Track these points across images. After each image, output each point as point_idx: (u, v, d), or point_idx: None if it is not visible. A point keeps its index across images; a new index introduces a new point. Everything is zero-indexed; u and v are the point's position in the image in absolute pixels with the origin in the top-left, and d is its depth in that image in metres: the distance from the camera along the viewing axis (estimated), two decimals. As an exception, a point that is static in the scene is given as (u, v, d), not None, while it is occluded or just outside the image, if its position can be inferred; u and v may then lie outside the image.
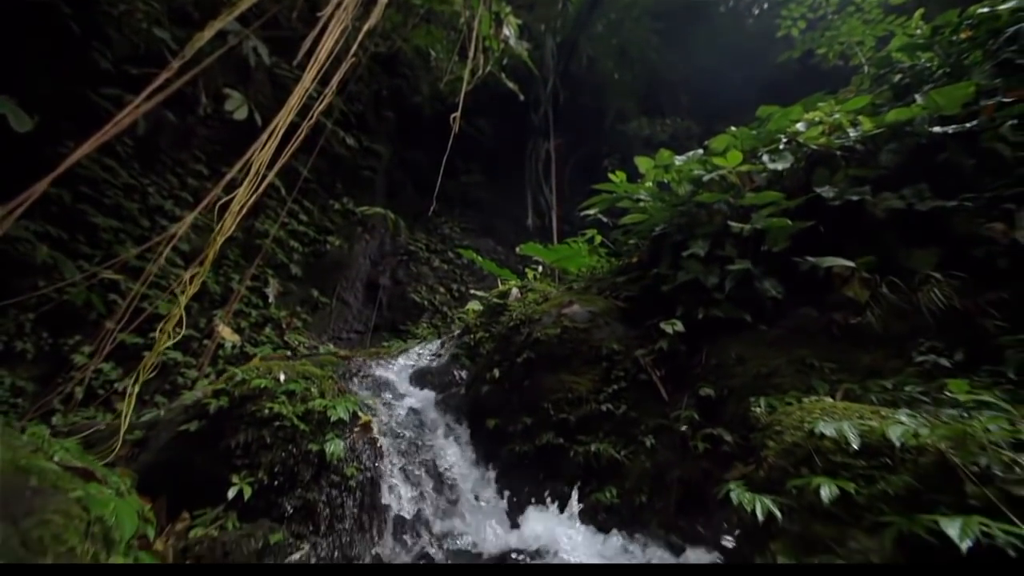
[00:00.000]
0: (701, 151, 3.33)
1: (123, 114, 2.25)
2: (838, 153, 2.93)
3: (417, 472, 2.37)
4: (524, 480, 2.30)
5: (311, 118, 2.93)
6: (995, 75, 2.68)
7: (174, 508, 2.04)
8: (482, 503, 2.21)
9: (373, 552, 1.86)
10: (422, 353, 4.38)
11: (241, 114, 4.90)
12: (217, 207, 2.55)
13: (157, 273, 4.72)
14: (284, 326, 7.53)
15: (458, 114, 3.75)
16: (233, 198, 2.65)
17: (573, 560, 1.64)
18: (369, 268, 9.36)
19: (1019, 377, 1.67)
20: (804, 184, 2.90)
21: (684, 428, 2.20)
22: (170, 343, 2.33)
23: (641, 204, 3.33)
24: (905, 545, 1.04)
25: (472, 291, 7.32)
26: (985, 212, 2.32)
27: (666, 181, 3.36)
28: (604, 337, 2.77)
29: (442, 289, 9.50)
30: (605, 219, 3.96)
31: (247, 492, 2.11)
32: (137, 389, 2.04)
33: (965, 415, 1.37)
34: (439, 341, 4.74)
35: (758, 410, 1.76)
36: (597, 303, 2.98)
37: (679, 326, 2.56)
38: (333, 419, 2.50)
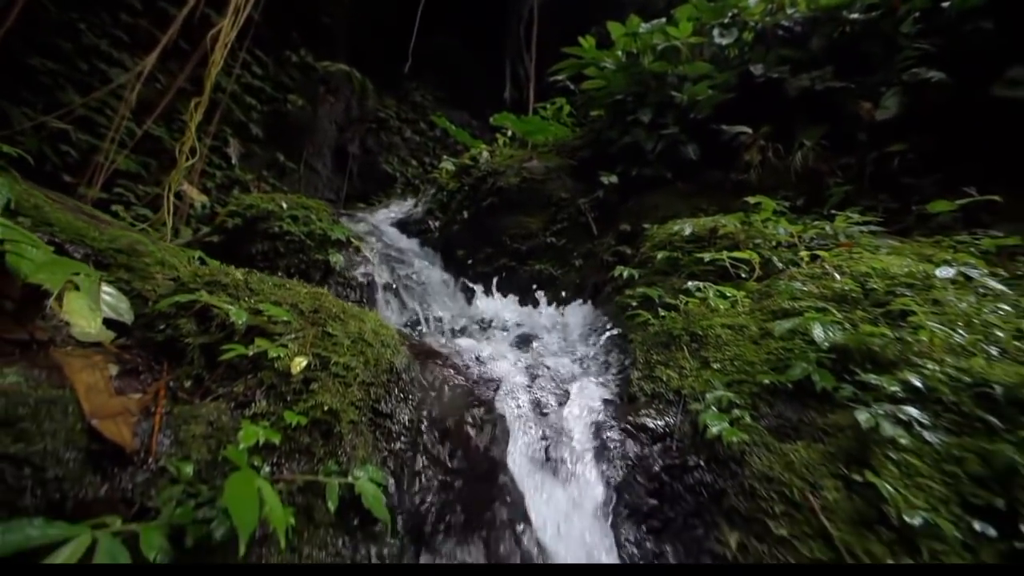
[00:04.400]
0: (665, 20, 3.75)
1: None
2: (780, 32, 3.46)
3: (402, 281, 3.25)
4: (482, 288, 3.22)
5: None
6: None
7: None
8: (448, 300, 3.15)
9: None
10: (399, 210, 5.08)
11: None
12: (209, 37, 2.91)
13: (103, 124, 4.94)
14: (252, 189, 7.90)
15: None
16: (220, 29, 2.99)
17: (511, 320, 2.59)
18: (336, 134, 9.42)
19: (827, 212, 2.56)
20: (743, 60, 3.48)
21: (605, 253, 3.11)
22: (187, 164, 2.90)
23: (604, 71, 3.83)
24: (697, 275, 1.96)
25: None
26: (865, 94, 3.03)
27: (633, 50, 3.82)
28: (556, 187, 3.53)
29: (414, 162, 9.80)
30: (573, 87, 4.43)
31: (271, 282, 2.94)
32: (172, 195, 2.68)
33: (766, 226, 2.26)
34: (413, 200, 5.42)
35: (648, 228, 2.63)
36: (554, 160, 3.67)
37: (615, 179, 3.34)
38: (333, 238, 3.26)
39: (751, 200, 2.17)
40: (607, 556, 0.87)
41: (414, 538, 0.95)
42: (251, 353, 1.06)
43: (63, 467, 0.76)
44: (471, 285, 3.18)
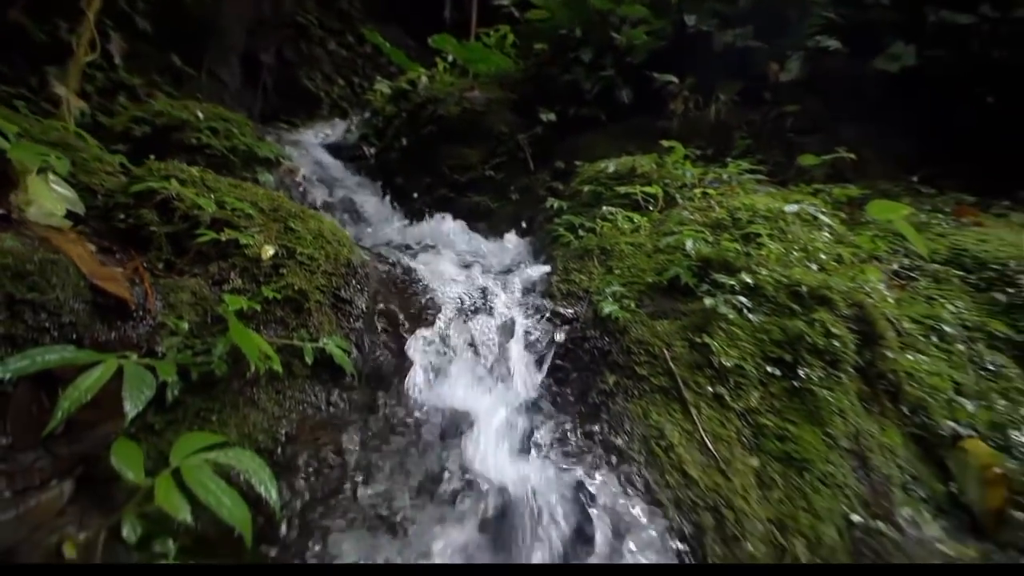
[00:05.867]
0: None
1: None
2: (717, -15, 3.74)
3: (341, 204, 3.32)
4: (423, 215, 3.40)
5: None
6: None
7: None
8: (388, 226, 3.30)
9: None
10: (329, 133, 4.93)
11: None
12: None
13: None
14: (143, 96, 7.03)
15: None
16: None
17: (452, 245, 2.84)
18: (245, 38, 8.45)
19: (732, 159, 3.02)
20: (679, 8, 3.75)
21: (540, 188, 3.40)
22: (87, 59, 2.65)
23: (550, 1, 3.91)
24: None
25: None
26: (776, 56, 3.47)
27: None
28: (496, 121, 3.69)
29: (341, 80, 9.14)
30: (518, 15, 4.45)
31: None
32: (71, 96, 2.48)
33: (676, 168, 2.65)
34: (343, 124, 5.25)
35: (580, 166, 2.94)
36: (495, 92, 3.80)
37: (553, 117, 3.57)
38: (260, 156, 3.20)
39: (666, 144, 2.54)
40: (531, 392, 1.24)
41: (375, 386, 1.24)
42: (224, 239, 1.24)
43: (75, 315, 0.94)
44: (411, 213, 3.34)
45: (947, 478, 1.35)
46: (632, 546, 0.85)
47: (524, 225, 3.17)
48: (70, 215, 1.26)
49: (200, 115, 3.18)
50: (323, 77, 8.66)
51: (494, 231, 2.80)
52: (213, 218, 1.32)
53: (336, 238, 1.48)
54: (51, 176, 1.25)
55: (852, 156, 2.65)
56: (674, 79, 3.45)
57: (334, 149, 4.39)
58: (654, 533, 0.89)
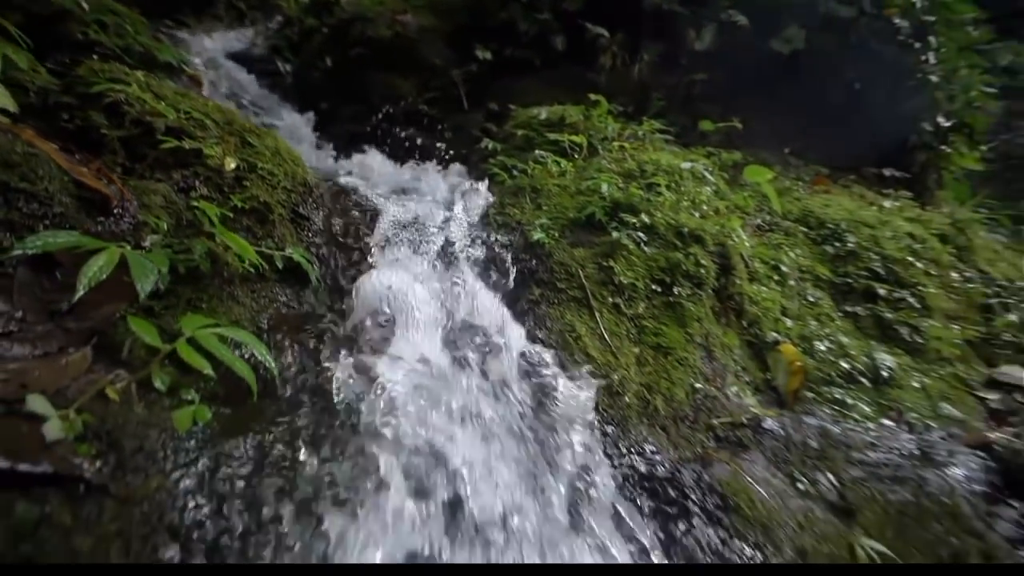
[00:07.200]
0: None
1: None
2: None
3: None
4: (353, 146, 3.42)
5: None
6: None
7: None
8: (314, 154, 3.29)
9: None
10: (231, 38, 4.50)
11: None
12: None
13: None
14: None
15: None
16: None
17: (388, 177, 2.95)
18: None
19: (647, 118, 3.45)
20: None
21: (474, 127, 3.57)
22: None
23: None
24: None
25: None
26: (695, 24, 3.87)
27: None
28: (430, 52, 3.72)
29: (239, -25, 8.04)
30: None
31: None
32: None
33: (600, 121, 2.99)
34: (248, 32, 4.81)
35: (514, 110, 3.17)
36: (429, 19, 3.79)
37: (489, 56, 3.69)
38: (161, 60, 2.96)
39: (593, 97, 2.87)
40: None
41: (336, 291, 1.48)
42: (187, 147, 1.34)
43: (64, 207, 1.05)
44: (340, 143, 3.34)
45: (766, 369, 1.96)
46: (553, 396, 1.25)
47: (460, 164, 3.37)
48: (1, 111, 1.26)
49: (85, 5, 2.82)
50: (215, -33, 7.55)
51: (431, 167, 2.97)
52: (168, 126, 1.39)
53: (291, 157, 1.62)
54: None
55: (739, 126, 3.20)
56: (605, 33, 3.73)
57: (240, 60, 4.07)
58: (566, 391, 1.29)
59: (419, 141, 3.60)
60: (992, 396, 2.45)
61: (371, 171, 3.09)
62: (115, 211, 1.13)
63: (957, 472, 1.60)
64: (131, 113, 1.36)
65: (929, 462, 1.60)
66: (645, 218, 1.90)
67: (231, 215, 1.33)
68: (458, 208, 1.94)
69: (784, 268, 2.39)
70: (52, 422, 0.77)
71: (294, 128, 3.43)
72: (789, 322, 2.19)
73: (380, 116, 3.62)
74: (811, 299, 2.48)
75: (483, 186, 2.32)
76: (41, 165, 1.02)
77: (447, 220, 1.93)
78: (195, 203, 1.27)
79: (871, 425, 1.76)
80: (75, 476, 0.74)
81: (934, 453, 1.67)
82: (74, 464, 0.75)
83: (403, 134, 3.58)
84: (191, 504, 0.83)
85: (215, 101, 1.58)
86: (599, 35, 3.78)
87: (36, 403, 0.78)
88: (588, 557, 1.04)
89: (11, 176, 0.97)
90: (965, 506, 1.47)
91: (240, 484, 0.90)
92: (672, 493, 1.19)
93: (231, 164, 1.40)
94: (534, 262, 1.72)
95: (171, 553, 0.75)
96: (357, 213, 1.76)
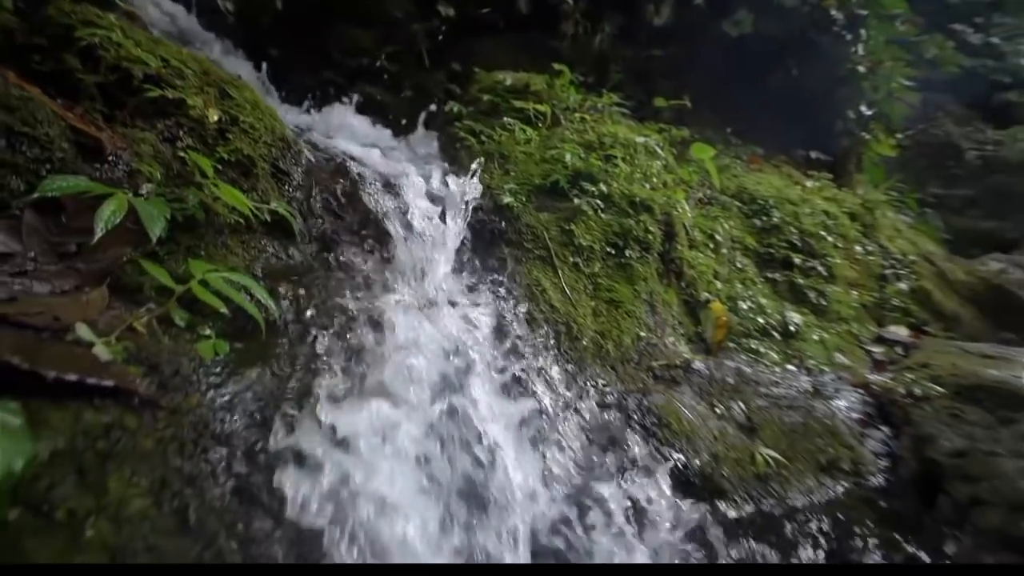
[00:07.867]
0: None
1: None
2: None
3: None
4: (315, 101, 3.36)
5: None
6: None
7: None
8: (273, 105, 3.21)
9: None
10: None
11: None
12: None
13: None
14: None
15: None
16: None
17: (355, 132, 2.97)
18: None
19: (607, 90, 3.63)
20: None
21: (436, 88, 3.60)
22: None
23: None
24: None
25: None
26: (655, -1, 4.03)
27: None
28: (392, 5, 3.66)
29: None
30: None
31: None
32: None
33: (563, 91, 3.14)
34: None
35: (478, 73, 3.24)
36: (392, -30, 3.69)
37: (452, 12, 3.69)
38: None
39: (556, 67, 3.01)
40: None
41: (322, 246, 1.60)
42: (170, 96, 1.38)
43: (64, 152, 1.10)
44: (297, 96, 3.28)
45: (698, 323, 2.29)
46: (516, 335, 1.47)
47: (425, 124, 3.41)
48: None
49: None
50: None
51: (395, 126, 3.02)
52: (146, 73, 1.42)
53: (269, 112, 1.67)
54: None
55: (689, 105, 3.48)
56: (570, 0, 3.82)
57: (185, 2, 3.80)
58: (529, 335, 1.51)
59: (378, 98, 3.59)
60: (877, 349, 2.98)
61: (334, 127, 3.09)
62: (109, 158, 1.18)
63: (840, 403, 2.02)
64: (107, 58, 1.37)
65: (819, 395, 2.00)
66: (603, 187, 2.13)
67: (219, 167, 1.40)
68: (434, 170, 2.07)
69: (719, 237, 2.73)
70: (100, 347, 0.87)
71: (243, 72, 3.31)
72: (719, 285, 2.54)
73: (337, 69, 3.56)
74: (739, 265, 2.86)
75: (451, 151, 2.43)
76: (38, 109, 1.06)
77: (427, 177, 2.05)
78: (183, 154, 1.33)
79: (777, 369, 2.15)
80: (132, 390, 0.86)
81: (824, 390, 2.08)
82: (130, 380, 0.87)
83: (364, 90, 3.55)
84: (228, 417, 0.97)
85: (190, 50, 1.59)
86: (563, 2, 3.87)
87: (83, 331, 0.88)
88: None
89: (13, 120, 1.01)
90: (842, 427, 1.89)
91: (263, 401, 1.06)
92: (619, 414, 1.48)
93: (214, 116, 1.45)
94: (503, 224, 1.90)
95: (219, 454, 0.91)
96: (335, 170, 1.84)
